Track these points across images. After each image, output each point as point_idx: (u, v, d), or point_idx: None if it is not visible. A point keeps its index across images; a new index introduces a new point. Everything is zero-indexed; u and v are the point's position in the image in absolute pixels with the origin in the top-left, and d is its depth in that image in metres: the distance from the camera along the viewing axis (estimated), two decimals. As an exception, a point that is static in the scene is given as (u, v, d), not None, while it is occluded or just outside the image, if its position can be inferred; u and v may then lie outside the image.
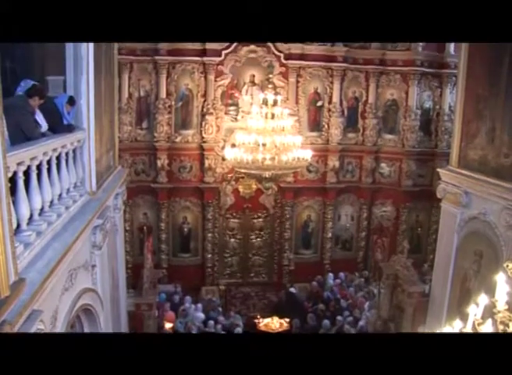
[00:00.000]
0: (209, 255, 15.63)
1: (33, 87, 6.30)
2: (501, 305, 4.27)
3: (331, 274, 15.44)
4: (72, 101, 7.31)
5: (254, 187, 15.51)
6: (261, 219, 16.04)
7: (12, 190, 4.64)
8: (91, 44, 7.50)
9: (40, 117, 6.50)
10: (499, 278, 4.42)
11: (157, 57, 14.14)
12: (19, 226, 4.86)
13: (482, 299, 4.52)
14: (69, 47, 7.24)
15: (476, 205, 9.50)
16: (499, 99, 8.83)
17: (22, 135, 5.74)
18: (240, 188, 15.60)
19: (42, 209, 5.63)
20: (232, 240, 16.06)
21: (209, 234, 15.52)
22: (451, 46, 14.61)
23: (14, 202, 4.71)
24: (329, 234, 16.14)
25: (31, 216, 5.23)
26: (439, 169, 11.11)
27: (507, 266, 4.77)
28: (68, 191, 6.74)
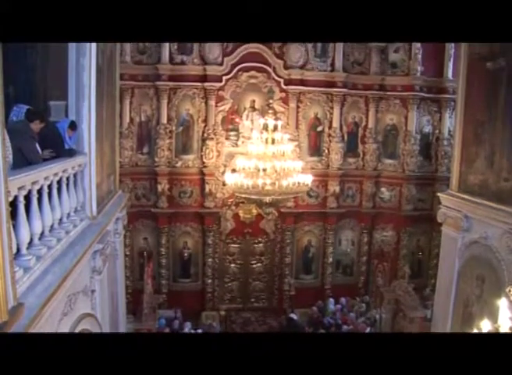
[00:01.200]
0: (209, 281, 15.54)
1: (31, 111, 6.33)
2: (504, 330, 4.23)
3: (332, 299, 15.33)
4: (73, 125, 7.34)
5: (255, 212, 15.50)
6: (261, 244, 15.99)
7: (13, 214, 4.63)
8: (93, 70, 7.57)
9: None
10: (502, 303, 4.39)
11: (158, 82, 14.29)
12: (18, 250, 4.84)
13: (485, 324, 4.49)
14: (72, 72, 7.31)
15: (477, 229, 9.48)
16: (497, 124, 8.88)
17: (23, 159, 5.75)
18: (241, 213, 15.59)
19: (42, 234, 5.60)
20: (233, 265, 15.99)
21: (209, 259, 15.45)
22: (449, 71, 14.78)
23: (14, 226, 4.70)
24: (330, 259, 16.08)
25: (31, 240, 5.21)
26: (439, 194, 11.12)
27: (509, 290, 4.75)
28: (68, 215, 6.73)
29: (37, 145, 6.37)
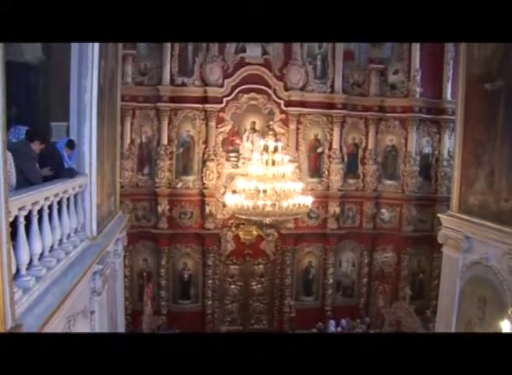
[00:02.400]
0: (209, 302, 15.44)
1: (31, 132, 6.35)
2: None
3: (332, 321, 15.18)
4: (71, 144, 7.32)
5: (255, 233, 15.47)
6: (261, 266, 15.92)
7: (13, 234, 4.63)
8: (95, 91, 7.64)
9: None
10: (505, 325, 4.36)
11: (159, 104, 14.38)
12: (18, 271, 4.82)
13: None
14: (73, 93, 7.38)
15: (478, 249, 9.46)
16: (496, 145, 8.93)
17: (24, 180, 5.76)
18: (241, 234, 15.55)
19: (42, 254, 5.59)
20: (233, 286, 15.89)
21: (209, 281, 15.37)
22: (448, 92, 14.91)
23: (14, 247, 4.69)
24: (330, 281, 15.99)
25: (31, 260, 5.20)
26: (439, 215, 11.12)
27: (512, 312, 4.72)
28: (68, 236, 6.71)
29: (38, 166, 6.40)
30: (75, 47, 7.43)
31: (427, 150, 15.53)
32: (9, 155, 5.10)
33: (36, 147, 6.30)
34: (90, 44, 7.46)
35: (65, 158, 7.22)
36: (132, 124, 14.43)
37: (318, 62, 15.40)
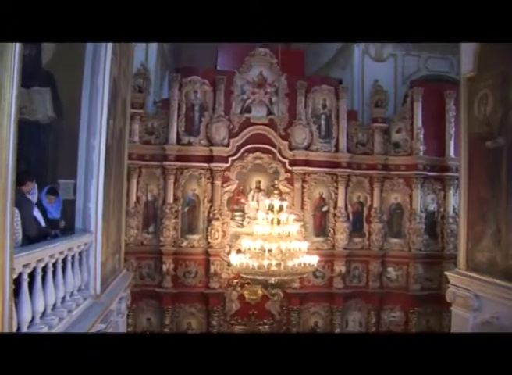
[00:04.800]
0: (214, 364, 15.04)
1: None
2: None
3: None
4: (53, 191, 7.27)
5: (260, 293, 15.27)
6: (266, 326, 15.59)
7: (16, 291, 4.61)
8: (103, 150, 7.78)
9: (38, 214, 6.57)
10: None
11: (165, 163, 14.55)
12: (19, 328, 4.76)
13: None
14: (82, 152, 7.52)
15: (488, 308, 9.27)
16: (501, 201, 8.94)
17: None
18: (246, 294, 15.34)
19: (44, 312, 5.54)
20: (238, 347, 15.53)
21: (214, 342, 15.02)
22: (451, 150, 15.08)
23: (16, 304, 4.66)
24: (338, 341, 15.60)
25: (33, 318, 5.14)
26: (446, 273, 10.98)
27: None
28: (72, 294, 6.67)
29: (37, 215, 6.42)
30: (85, 107, 7.64)
31: (432, 207, 15.53)
32: (16, 212, 5.15)
33: (27, 188, 6.27)
34: (100, 103, 7.67)
35: (48, 208, 7.15)
36: (138, 182, 14.56)
37: (323, 122, 15.64)
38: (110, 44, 7.96)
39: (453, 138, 14.93)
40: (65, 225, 7.26)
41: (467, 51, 10.54)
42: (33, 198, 6.54)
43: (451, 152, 15.11)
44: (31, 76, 7.33)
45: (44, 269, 5.59)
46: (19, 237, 5.48)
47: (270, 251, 10.89)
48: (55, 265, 5.97)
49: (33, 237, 5.99)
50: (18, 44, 4.06)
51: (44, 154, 7.97)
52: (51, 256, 5.80)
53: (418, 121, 15.28)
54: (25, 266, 4.96)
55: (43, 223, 6.67)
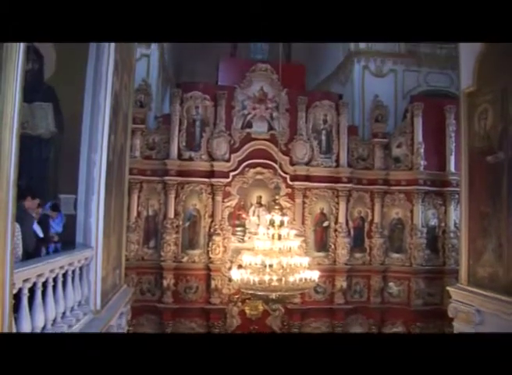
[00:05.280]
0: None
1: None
2: None
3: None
4: (55, 207, 7.28)
5: (261, 308, 15.18)
6: (268, 342, 15.49)
7: (15, 306, 4.58)
8: (104, 165, 7.79)
9: (38, 228, 6.56)
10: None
11: (166, 178, 14.57)
12: (19, 344, 4.72)
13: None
14: (83, 167, 7.53)
15: (490, 323, 9.20)
16: (502, 216, 8.92)
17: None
18: (247, 310, 15.25)
19: (44, 327, 5.50)
20: (239, 363, 15.41)
21: (215, 358, 14.91)
22: (452, 164, 15.11)
23: (16, 320, 4.63)
24: (339, 358, 15.48)
25: (33, 333, 5.11)
26: (448, 288, 10.93)
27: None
28: (72, 309, 6.64)
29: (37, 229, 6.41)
30: (86, 121, 7.67)
31: (433, 222, 15.51)
32: (17, 227, 5.14)
33: (30, 204, 6.28)
34: (101, 118, 7.71)
35: (50, 223, 7.16)
36: (139, 197, 14.57)
37: (323, 137, 15.69)
38: (112, 59, 8.01)
39: (453, 153, 14.96)
40: (58, 239, 7.21)
41: (467, 66, 10.60)
42: (35, 213, 6.54)
43: (452, 167, 15.13)
44: (33, 91, 7.39)
45: (45, 284, 5.57)
46: (20, 252, 5.46)
47: (271, 266, 10.86)
48: (55, 280, 5.95)
49: (31, 251, 5.97)
50: (21, 59, 4.10)
51: (46, 168, 8.00)
52: (52, 271, 5.78)
53: (419, 136, 15.33)
54: (25, 280, 4.94)
55: (41, 234, 6.65)
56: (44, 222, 6.96)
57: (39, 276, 5.34)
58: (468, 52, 10.47)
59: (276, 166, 14.68)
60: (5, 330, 3.84)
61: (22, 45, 4.11)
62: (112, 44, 8.01)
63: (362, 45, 17.46)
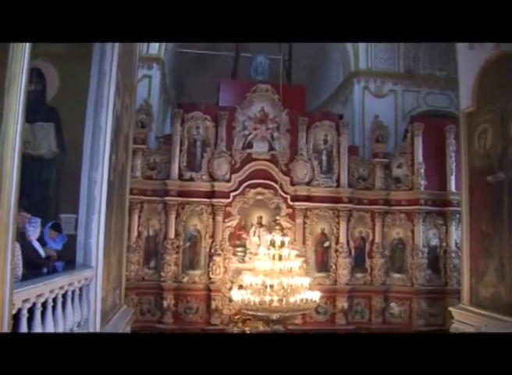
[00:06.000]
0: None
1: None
2: None
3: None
4: (56, 227, 7.24)
5: (262, 329, 15.05)
6: (269, 363, 15.34)
7: (14, 327, 4.55)
8: (105, 185, 7.80)
9: (39, 247, 6.54)
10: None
11: (167, 198, 14.58)
12: (18, 365, 4.68)
13: None
14: (84, 186, 7.54)
15: (493, 345, 9.12)
16: (503, 235, 8.91)
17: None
18: (247, 330, 15.13)
19: (43, 349, 5.45)
20: (239, 385, 15.24)
21: (215, 380, 14.75)
22: (452, 184, 15.12)
23: (15, 340, 4.59)
24: (341, 379, 15.30)
25: (32, 355, 5.06)
26: (450, 308, 10.87)
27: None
28: (71, 330, 6.58)
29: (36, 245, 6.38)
30: (87, 142, 7.71)
31: (434, 242, 15.47)
32: (17, 246, 5.13)
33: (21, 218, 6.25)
34: (103, 139, 7.74)
35: (48, 243, 7.10)
36: (140, 217, 14.56)
37: (324, 158, 15.74)
38: (113, 80, 8.08)
39: (453, 173, 14.99)
40: (57, 258, 7.17)
41: (466, 86, 10.69)
42: (35, 231, 6.52)
43: (452, 187, 15.15)
44: (35, 111, 7.43)
45: (44, 305, 5.53)
46: (19, 272, 5.44)
47: (272, 287, 10.80)
48: (54, 300, 5.91)
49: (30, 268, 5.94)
50: (24, 80, 4.13)
51: (47, 188, 8.01)
52: (51, 291, 5.74)
53: (419, 156, 15.38)
54: (24, 301, 4.91)
55: (42, 253, 6.63)
56: (40, 240, 6.94)
57: (39, 296, 5.30)
58: (467, 73, 10.57)
59: (277, 187, 14.70)
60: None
61: (26, 66, 4.15)
62: (114, 66, 8.09)
63: (362, 66, 17.60)
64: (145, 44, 15.74)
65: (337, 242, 15.41)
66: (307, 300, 10.98)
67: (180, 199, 14.71)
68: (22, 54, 4.08)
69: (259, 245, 13.84)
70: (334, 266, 15.32)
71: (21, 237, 5.95)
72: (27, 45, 4.04)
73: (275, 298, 10.64)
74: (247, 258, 14.92)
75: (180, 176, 14.82)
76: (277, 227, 11.97)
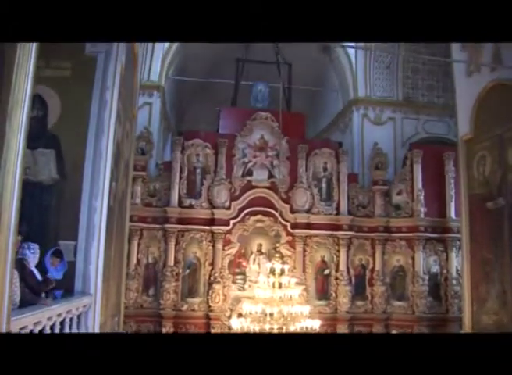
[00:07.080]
0: None
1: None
2: None
3: None
4: (58, 253, 7.15)
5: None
6: (269, 394, 15.11)
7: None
8: (105, 212, 7.80)
9: (37, 273, 6.50)
10: None
11: (166, 225, 14.55)
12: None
13: None
14: (84, 213, 7.54)
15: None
16: (504, 261, 8.89)
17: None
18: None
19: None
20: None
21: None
22: (452, 211, 15.12)
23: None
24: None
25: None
26: (452, 336, 10.74)
27: None
28: (69, 357, 6.49)
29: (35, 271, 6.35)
30: (88, 168, 7.74)
31: (435, 269, 15.39)
32: (15, 273, 5.11)
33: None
34: (103, 166, 7.77)
35: (49, 269, 7.03)
36: (139, 244, 14.51)
37: (323, 185, 15.77)
38: (114, 108, 8.15)
39: (453, 199, 15.01)
40: (56, 286, 7.09)
41: (464, 114, 10.78)
42: (34, 258, 6.49)
43: (452, 213, 15.14)
44: (36, 138, 7.46)
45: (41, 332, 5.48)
46: (17, 298, 5.40)
47: (271, 315, 10.71)
48: (52, 327, 5.86)
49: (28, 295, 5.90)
50: (26, 107, 4.16)
51: (47, 215, 7.99)
52: (49, 319, 5.70)
53: (418, 183, 15.42)
54: (21, 328, 4.86)
55: (40, 278, 6.58)
56: (40, 266, 6.89)
57: (36, 324, 5.26)
58: (465, 101, 10.68)
59: (277, 214, 14.70)
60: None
61: (28, 94, 4.19)
62: (115, 93, 8.17)
63: (361, 94, 17.75)
64: (146, 72, 15.91)
65: (337, 270, 15.34)
66: (307, 328, 10.88)
67: (180, 226, 14.68)
68: (25, 79, 4.13)
69: (259, 273, 13.75)
70: (334, 294, 15.21)
71: (19, 263, 5.94)
72: (31, 70, 4.09)
73: (275, 327, 10.54)
74: (246, 286, 14.82)
75: (180, 204, 14.82)
76: (277, 255, 11.91)
